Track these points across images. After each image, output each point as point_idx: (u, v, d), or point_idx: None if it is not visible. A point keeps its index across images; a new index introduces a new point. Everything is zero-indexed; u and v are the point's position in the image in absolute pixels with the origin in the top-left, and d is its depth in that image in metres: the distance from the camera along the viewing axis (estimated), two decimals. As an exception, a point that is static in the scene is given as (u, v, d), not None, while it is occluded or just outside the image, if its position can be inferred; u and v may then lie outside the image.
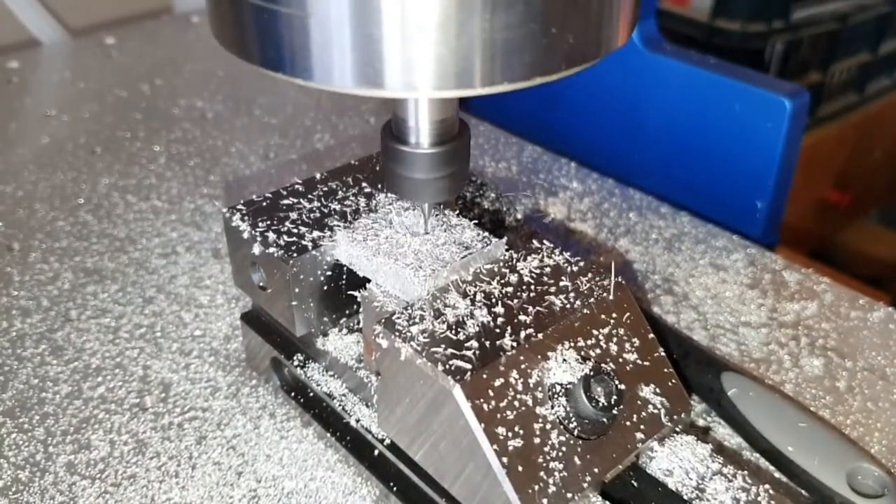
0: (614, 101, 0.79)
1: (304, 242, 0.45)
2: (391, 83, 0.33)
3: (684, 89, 0.73)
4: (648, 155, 0.78)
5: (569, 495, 0.37)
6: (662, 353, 0.42)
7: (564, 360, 0.38)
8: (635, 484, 0.41)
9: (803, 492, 0.46)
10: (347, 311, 0.48)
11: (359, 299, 0.45)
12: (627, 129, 0.79)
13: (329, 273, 0.46)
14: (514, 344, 0.38)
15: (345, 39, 0.32)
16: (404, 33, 0.31)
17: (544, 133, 0.85)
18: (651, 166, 0.78)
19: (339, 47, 0.32)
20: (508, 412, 0.36)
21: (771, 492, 0.40)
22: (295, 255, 0.44)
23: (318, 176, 0.51)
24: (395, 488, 0.45)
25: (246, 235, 0.46)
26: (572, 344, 0.39)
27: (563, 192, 0.75)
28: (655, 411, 0.41)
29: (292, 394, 0.51)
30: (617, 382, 0.38)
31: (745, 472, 0.41)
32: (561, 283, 0.42)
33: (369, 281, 0.44)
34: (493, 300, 0.40)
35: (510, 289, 0.41)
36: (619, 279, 0.43)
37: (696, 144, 0.74)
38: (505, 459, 0.35)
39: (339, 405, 0.47)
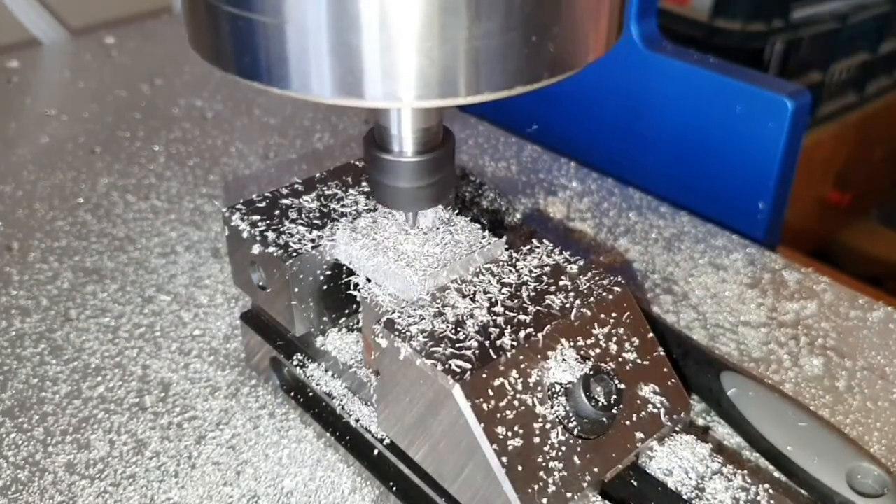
0: (615, 101, 0.79)
1: (303, 242, 0.45)
2: (372, 93, 0.31)
3: (685, 89, 0.73)
4: (649, 155, 0.78)
5: (568, 495, 0.37)
6: (662, 353, 0.42)
7: (564, 359, 0.38)
8: (635, 483, 0.41)
9: (803, 491, 0.46)
10: (347, 311, 0.48)
11: (358, 299, 0.45)
12: (628, 129, 0.79)
13: (328, 273, 0.46)
14: (514, 343, 0.38)
15: (322, 47, 0.31)
16: (384, 41, 0.30)
17: (544, 133, 0.85)
18: (652, 167, 0.78)
19: (317, 56, 0.31)
20: (508, 412, 0.36)
21: (770, 491, 0.40)
22: (294, 254, 0.44)
23: (317, 176, 0.51)
24: (394, 488, 0.45)
25: (245, 235, 0.46)
26: (572, 343, 0.39)
27: (563, 191, 0.75)
28: (655, 411, 0.41)
29: (292, 393, 0.51)
30: (616, 382, 0.38)
31: (745, 471, 0.41)
32: (560, 283, 0.42)
33: (369, 280, 0.44)
34: (493, 300, 0.40)
35: (510, 288, 0.41)
36: (619, 278, 0.43)
37: (697, 145, 0.74)
38: (505, 459, 0.35)
39: (339, 405, 0.47)
